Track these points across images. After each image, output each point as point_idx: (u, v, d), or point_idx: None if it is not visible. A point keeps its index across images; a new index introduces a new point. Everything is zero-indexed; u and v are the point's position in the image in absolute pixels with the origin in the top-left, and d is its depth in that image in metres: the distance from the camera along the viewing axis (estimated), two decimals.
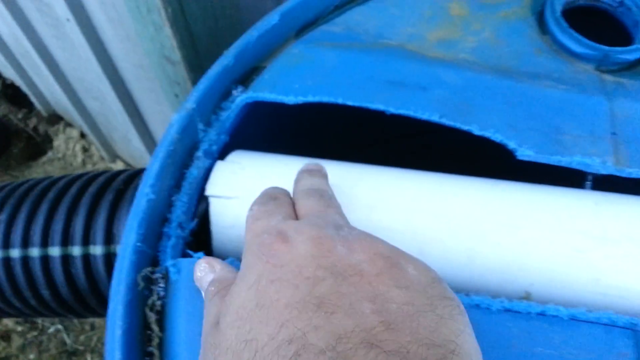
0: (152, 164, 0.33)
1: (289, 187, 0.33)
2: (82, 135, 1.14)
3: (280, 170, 0.34)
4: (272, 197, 0.28)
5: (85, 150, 1.13)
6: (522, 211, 0.31)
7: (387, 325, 0.18)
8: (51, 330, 1.03)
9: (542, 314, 0.29)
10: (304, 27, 0.42)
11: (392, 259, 0.21)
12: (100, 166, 1.09)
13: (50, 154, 1.17)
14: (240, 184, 0.34)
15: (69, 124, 1.16)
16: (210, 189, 0.33)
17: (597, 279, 0.30)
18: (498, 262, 0.31)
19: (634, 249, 0.30)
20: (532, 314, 0.29)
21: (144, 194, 0.32)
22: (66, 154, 1.14)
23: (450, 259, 0.31)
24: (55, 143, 1.16)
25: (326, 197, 0.28)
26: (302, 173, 0.31)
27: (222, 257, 0.32)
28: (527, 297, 0.32)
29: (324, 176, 0.31)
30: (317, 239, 0.21)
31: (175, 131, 0.34)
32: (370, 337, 0.18)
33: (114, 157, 1.11)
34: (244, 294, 0.21)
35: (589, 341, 0.28)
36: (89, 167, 1.10)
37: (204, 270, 0.27)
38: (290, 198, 0.28)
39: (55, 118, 1.17)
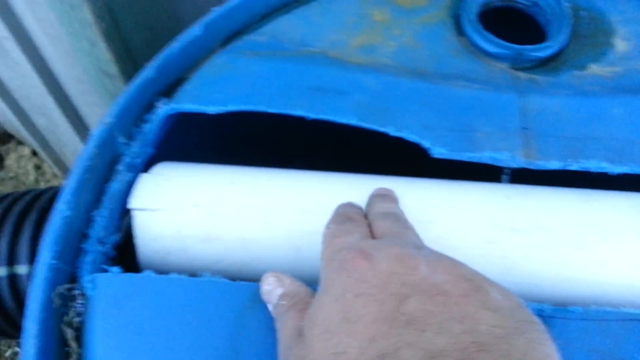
0: (68, 180, 0.33)
1: (217, 196, 0.33)
2: (34, 153, 1.12)
3: (206, 181, 0.34)
4: (348, 217, 0.28)
5: (37, 167, 1.11)
6: (435, 207, 0.32)
7: (479, 346, 0.18)
8: (8, 353, 1.00)
9: None
10: (230, 37, 0.42)
11: (475, 282, 0.21)
12: (54, 183, 1.06)
13: (2, 173, 1.14)
14: (165, 196, 0.34)
15: (20, 142, 1.13)
16: (133, 202, 0.33)
17: (509, 268, 0.31)
18: None
19: (542, 238, 0.31)
20: None
21: (59, 211, 0.31)
22: (18, 173, 1.11)
23: None
24: (7, 162, 1.13)
25: (402, 220, 0.28)
26: (374, 197, 0.31)
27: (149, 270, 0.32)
28: None
29: (395, 200, 0.31)
30: (399, 256, 0.22)
31: (94, 146, 0.34)
32: (465, 357, 0.17)
33: (67, 173, 1.09)
34: (328, 307, 0.21)
35: None
36: (42, 185, 1.07)
37: (273, 284, 0.27)
38: (365, 219, 0.29)
39: (5, 137, 1.14)
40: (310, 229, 0.32)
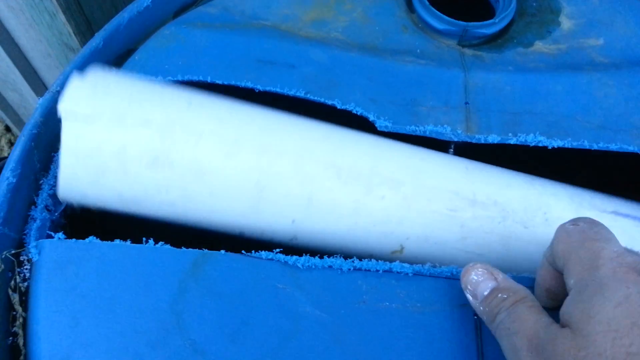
0: (14, 148, 0.33)
1: (174, 115, 0.28)
2: (8, 129, 1.11)
3: (160, 96, 0.30)
4: (596, 222, 0.27)
5: (11, 143, 1.10)
6: (407, 168, 0.32)
7: None
8: None
9: (389, 271, 0.31)
10: (182, 9, 0.43)
11: None
12: None
13: None
14: (108, 103, 0.28)
15: None
16: (64, 104, 0.27)
17: (464, 237, 0.32)
18: (381, 214, 0.32)
19: (496, 212, 0.32)
20: (380, 271, 0.31)
21: (4, 178, 0.32)
22: None
23: (338, 207, 0.32)
24: None
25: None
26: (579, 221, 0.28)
27: (72, 192, 0.29)
28: (400, 250, 0.33)
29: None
30: None
31: (39, 114, 0.34)
32: None
33: None
34: (611, 309, 0.22)
35: (431, 294, 0.31)
36: None
37: (482, 275, 0.28)
38: None
39: None
40: (279, 170, 0.30)
